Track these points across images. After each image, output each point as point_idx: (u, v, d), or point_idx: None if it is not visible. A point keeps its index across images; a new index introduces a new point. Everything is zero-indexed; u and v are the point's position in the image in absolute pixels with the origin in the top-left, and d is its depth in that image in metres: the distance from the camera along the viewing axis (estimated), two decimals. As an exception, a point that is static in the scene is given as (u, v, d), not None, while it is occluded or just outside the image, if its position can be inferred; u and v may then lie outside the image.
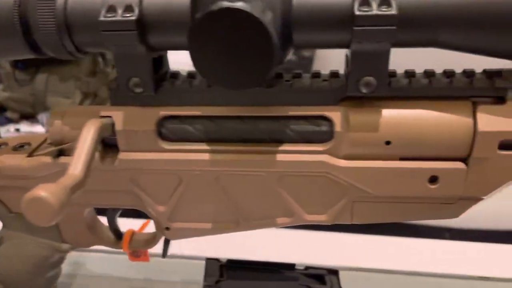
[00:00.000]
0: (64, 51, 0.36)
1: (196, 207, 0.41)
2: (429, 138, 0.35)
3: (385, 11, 0.30)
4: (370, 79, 0.34)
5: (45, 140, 0.43)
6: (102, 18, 0.33)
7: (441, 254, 0.69)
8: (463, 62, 0.36)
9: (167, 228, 0.43)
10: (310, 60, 1.36)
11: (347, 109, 0.36)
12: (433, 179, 0.36)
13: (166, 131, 0.38)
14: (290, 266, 0.49)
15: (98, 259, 0.63)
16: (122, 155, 0.39)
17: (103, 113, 0.38)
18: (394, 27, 0.30)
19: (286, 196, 0.40)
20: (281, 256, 0.60)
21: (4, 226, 0.47)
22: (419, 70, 0.37)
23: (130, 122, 0.38)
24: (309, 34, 0.33)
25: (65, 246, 0.47)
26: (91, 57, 1.25)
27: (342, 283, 0.50)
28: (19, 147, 0.43)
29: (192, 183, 0.40)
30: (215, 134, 0.38)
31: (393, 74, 0.36)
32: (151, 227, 0.47)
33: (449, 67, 0.36)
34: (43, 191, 0.30)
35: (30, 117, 1.46)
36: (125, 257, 0.49)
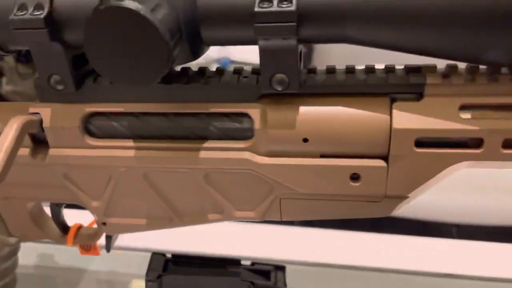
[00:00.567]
0: None
1: (129, 203, 0.42)
2: (347, 135, 0.34)
3: (284, 7, 0.30)
4: (282, 76, 0.33)
5: None
6: (12, 17, 0.33)
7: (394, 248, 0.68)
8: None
9: (104, 223, 0.43)
10: (308, 55, 1.35)
11: (266, 106, 0.35)
12: (355, 177, 0.36)
13: (93, 128, 0.39)
14: (236, 262, 0.49)
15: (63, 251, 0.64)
16: (51, 151, 0.40)
17: (31, 110, 0.39)
18: (294, 23, 0.30)
19: (214, 192, 0.39)
20: (238, 250, 0.60)
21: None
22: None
23: (56, 118, 0.38)
24: (215, 31, 0.32)
25: (12, 239, 0.48)
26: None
27: (291, 279, 0.50)
28: None
29: (121, 179, 0.40)
30: (141, 131, 0.38)
31: (312, 70, 0.36)
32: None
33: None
34: None
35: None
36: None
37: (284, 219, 0.40)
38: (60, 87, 0.37)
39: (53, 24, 0.33)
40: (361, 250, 0.65)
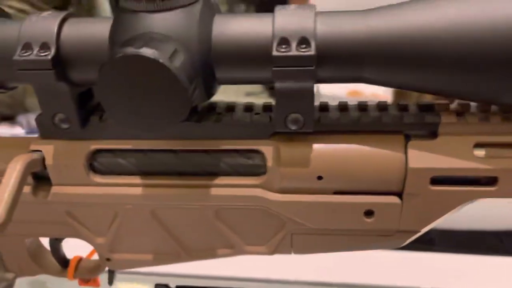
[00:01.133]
0: None
1: (135, 238, 0.41)
2: (362, 173, 0.34)
3: (303, 51, 0.29)
4: (297, 116, 0.33)
5: None
6: (17, 57, 0.32)
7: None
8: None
9: (108, 259, 0.42)
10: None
11: (278, 143, 0.35)
12: (369, 213, 0.35)
13: (98, 165, 0.37)
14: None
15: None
16: (54, 189, 0.38)
17: (33, 147, 0.37)
18: (313, 67, 0.29)
19: (224, 228, 0.39)
20: (244, 278, 0.59)
21: None
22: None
23: (59, 156, 0.37)
24: (230, 72, 0.32)
25: (9, 275, 0.46)
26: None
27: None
28: None
29: (127, 216, 0.39)
30: (148, 167, 0.37)
31: (325, 107, 0.35)
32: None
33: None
34: None
35: (9, 119, 1.45)
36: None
37: (295, 254, 0.39)
38: (65, 126, 0.36)
39: (60, 64, 0.32)
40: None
